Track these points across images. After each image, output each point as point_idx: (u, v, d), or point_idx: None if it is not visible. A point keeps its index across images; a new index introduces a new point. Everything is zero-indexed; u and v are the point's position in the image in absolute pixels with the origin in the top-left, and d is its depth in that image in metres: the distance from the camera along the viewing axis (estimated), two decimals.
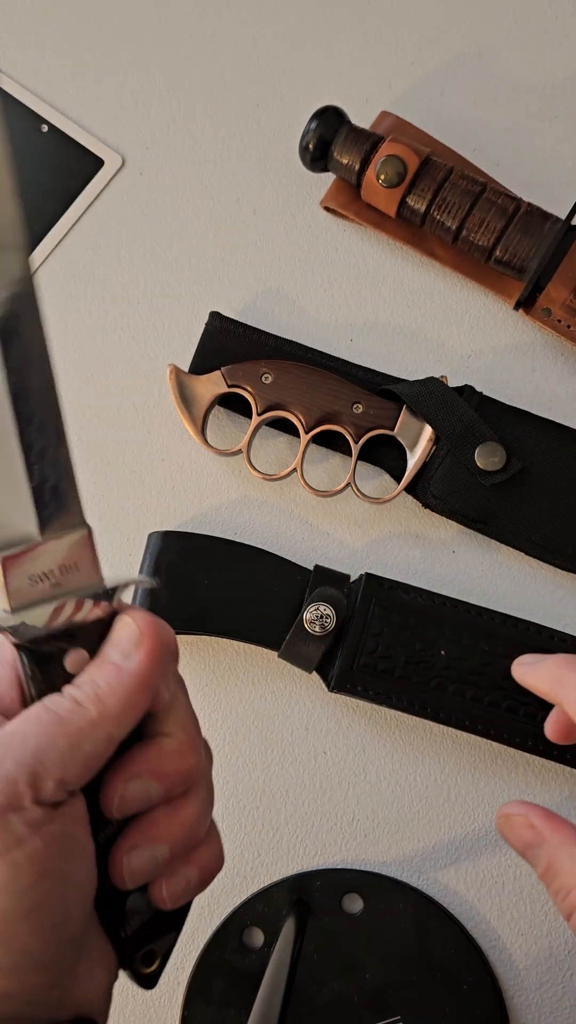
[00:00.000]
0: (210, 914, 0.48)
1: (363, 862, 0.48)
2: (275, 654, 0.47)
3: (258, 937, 0.47)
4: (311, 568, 0.47)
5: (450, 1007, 0.46)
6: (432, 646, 0.45)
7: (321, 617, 0.44)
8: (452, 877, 0.47)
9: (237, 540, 0.48)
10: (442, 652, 0.45)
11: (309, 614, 0.44)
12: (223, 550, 0.47)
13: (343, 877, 0.47)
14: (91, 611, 0.27)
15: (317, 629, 0.44)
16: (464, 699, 0.45)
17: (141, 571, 0.47)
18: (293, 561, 0.47)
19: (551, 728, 0.43)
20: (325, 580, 0.46)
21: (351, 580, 0.47)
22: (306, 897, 0.47)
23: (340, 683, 0.45)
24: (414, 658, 0.45)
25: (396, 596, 0.45)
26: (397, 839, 0.48)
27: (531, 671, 0.42)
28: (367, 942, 0.46)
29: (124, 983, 0.48)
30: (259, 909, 0.47)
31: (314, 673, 0.47)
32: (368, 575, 0.46)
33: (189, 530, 0.51)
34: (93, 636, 0.28)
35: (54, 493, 0.27)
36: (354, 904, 0.47)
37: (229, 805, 0.49)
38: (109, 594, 0.28)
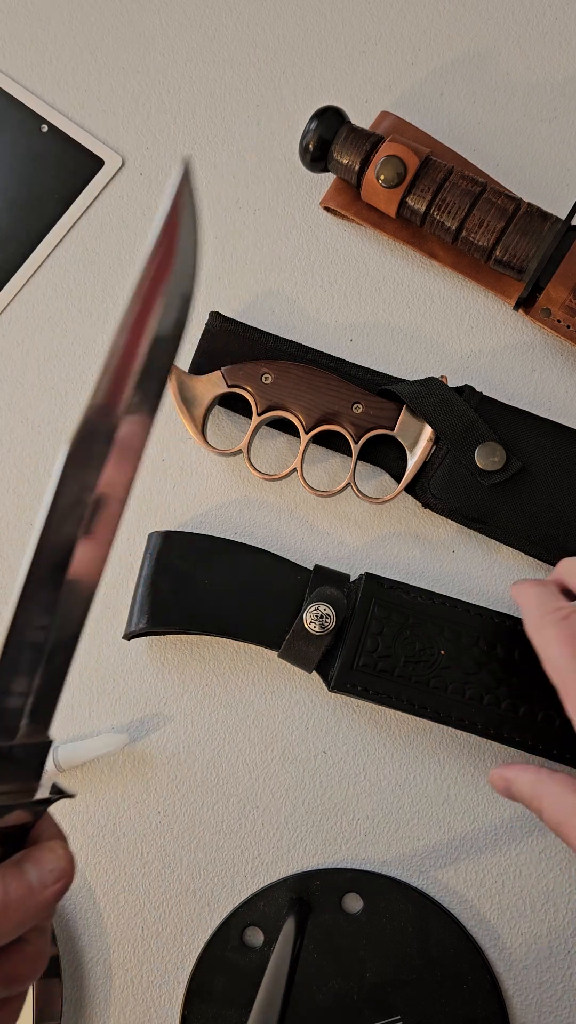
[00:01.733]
0: (210, 913, 0.48)
1: (363, 861, 0.48)
2: (275, 654, 0.47)
3: (258, 936, 0.47)
4: (311, 568, 0.47)
5: (450, 1006, 0.46)
6: (431, 645, 0.45)
7: (321, 617, 0.44)
8: (452, 876, 0.47)
9: (237, 540, 0.48)
10: (441, 652, 0.45)
11: (309, 614, 0.44)
12: (223, 549, 0.47)
13: (343, 876, 0.47)
14: (18, 817, 0.28)
15: (317, 629, 0.44)
16: (463, 698, 0.45)
17: (141, 571, 0.47)
18: (293, 561, 0.47)
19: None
20: (325, 580, 0.46)
21: (351, 580, 0.47)
22: (306, 896, 0.47)
23: (340, 683, 0.45)
24: (413, 657, 0.45)
25: (396, 596, 0.45)
26: (397, 838, 0.48)
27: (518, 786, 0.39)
28: (367, 941, 0.46)
29: (124, 980, 0.48)
30: (259, 908, 0.47)
31: (314, 673, 0.47)
32: (368, 575, 0.46)
33: (189, 530, 0.51)
34: (10, 831, 0.29)
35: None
36: (354, 903, 0.47)
37: (229, 805, 0.49)
38: (40, 803, 0.29)
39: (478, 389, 0.50)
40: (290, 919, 0.46)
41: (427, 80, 0.55)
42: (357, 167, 0.49)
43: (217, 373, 0.49)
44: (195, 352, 0.51)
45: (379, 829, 0.48)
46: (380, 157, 0.48)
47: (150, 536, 0.48)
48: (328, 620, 0.44)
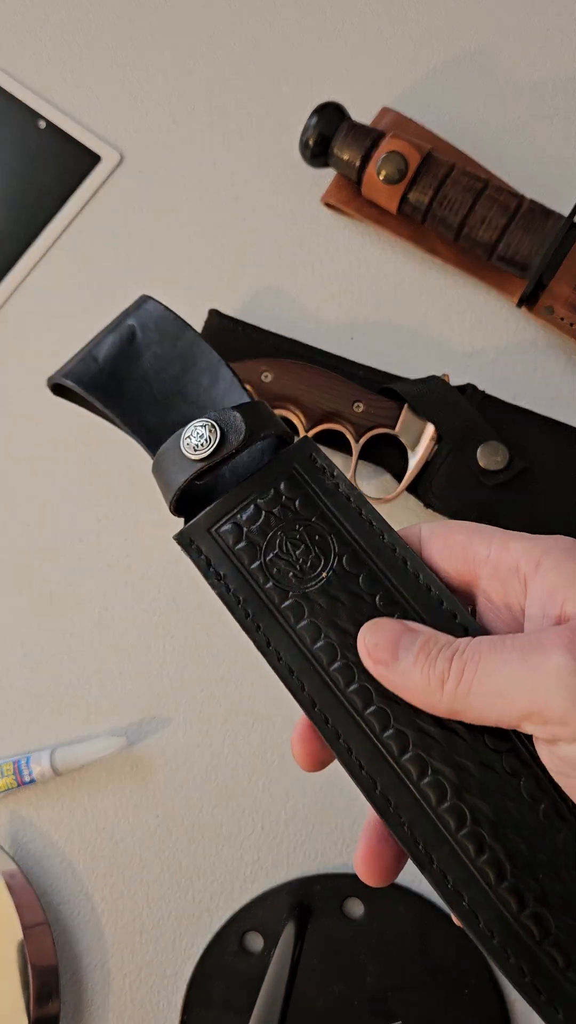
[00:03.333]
0: (210, 918, 0.47)
1: None
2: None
3: (258, 941, 0.47)
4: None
5: (452, 1011, 0.45)
6: (318, 564, 0.31)
7: (200, 436, 0.31)
8: None
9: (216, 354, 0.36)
10: (323, 575, 0.30)
11: (191, 428, 0.32)
12: (189, 342, 0.35)
13: (344, 881, 0.47)
14: None
15: (189, 449, 0.31)
16: (306, 644, 0.30)
17: (118, 322, 0.36)
18: (246, 391, 0.35)
19: (362, 858, 0.29)
20: (250, 411, 0.33)
21: (286, 434, 0.34)
22: (307, 901, 0.46)
23: (184, 537, 0.32)
24: (287, 559, 0.31)
25: (320, 481, 0.32)
26: None
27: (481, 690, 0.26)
28: (368, 946, 0.46)
29: (123, 985, 0.47)
30: (259, 913, 0.47)
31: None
32: (310, 443, 0.32)
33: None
34: None
35: None
36: (355, 908, 0.46)
37: (229, 809, 0.48)
38: None
39: (480, 388, 0.50)
40: (290, 924, 0.45)
41: (428, 76, 0.54)
42: (358, 163, 0.48)
43: None
44: None
45: None
46: (381, 153, 0.47)
47: (143, 298, 0.37)
48: (206, 445, 0.31)
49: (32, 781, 0.47)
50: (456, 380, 0.51)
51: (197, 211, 0.54)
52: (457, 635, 0.28)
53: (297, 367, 0.48)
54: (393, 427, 0.48)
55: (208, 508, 0.32)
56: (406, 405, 0.48)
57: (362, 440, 0.48)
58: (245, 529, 0.31)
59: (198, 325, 0.51)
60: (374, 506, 0.31)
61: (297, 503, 0.32)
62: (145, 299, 0.36)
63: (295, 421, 0.48)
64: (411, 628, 0.28)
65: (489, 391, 0.50)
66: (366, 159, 0.48)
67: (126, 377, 0.34)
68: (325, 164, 0.50)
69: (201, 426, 0.31)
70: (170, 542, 0.50)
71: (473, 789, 0.26)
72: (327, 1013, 0.45)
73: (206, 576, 0.31)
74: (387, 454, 0.50)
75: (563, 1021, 0.24)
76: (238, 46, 0.55)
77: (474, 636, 0.27)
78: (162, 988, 0.47)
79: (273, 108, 0.54)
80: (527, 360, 0.51)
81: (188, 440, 0.31)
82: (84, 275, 0.53)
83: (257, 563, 0.31)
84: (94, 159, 0.54)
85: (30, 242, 0.54)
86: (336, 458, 0.51)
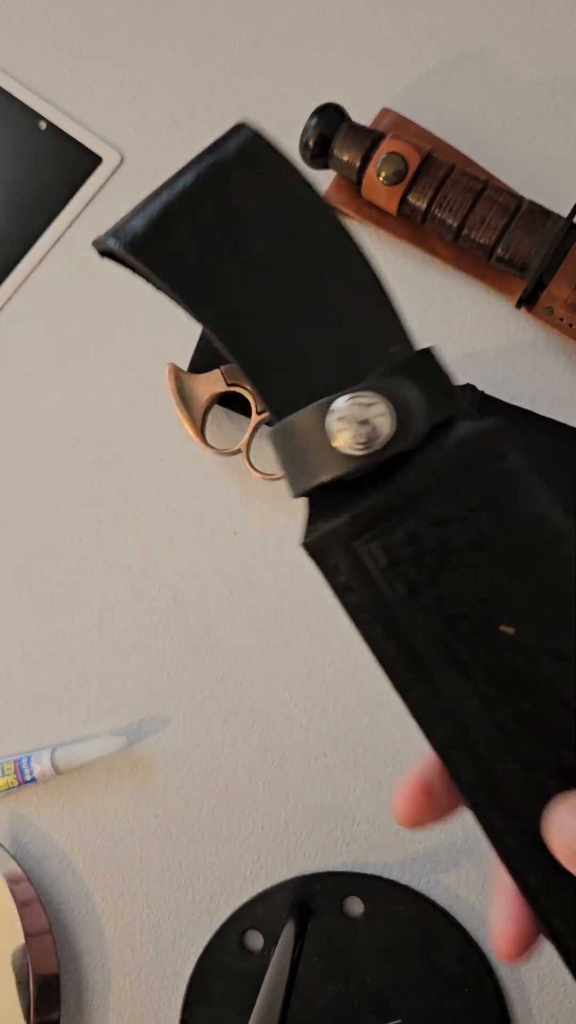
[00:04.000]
0: (209, 917, 0.47)
1: (364, 865, 0.48)
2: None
3: (257, 940, 0.47)
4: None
5: (452, 1011, 0.45)
6: (498, 612, 0.21)
7: (362, 424, 0.21)
8: (454, 880, 0.47)
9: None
10: (503, 629, 0.21)
11: (344, 406, 0.21)
12: (323, 222, 0.25)
13: (344, 880, 0.47)
14: None
15: (347, 444, 0.21)
16: (478, 714, 0.21)
17: (206, 167, 0.26)
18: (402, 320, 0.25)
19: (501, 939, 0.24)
20: (424, 374, 0.23)
21: (467, 395, 0.25)
22: (306, 900, 0.46)
23: (317, 546, 0.22)
24: (459, 595, 0.21)
25: (515, 489, 0.22)
26: (398, 842, 0.48)
27: None
28: (368, 945, 0.46)
29: (123, 984, 0.47)
30: (259, 912, 0.47)
31: (295, 515, 0.28)
32: (501, 428, 0.22)
33: (188, 530, 0.51)
34: None
35: None
36: (355, 907, 0.47)
37: (229, 808, 0.48)
38: None
39: (480, 388, 0.50)
40: (290, 923, 0.45)
41: (428, 77, 0.54)
42: (358, 164, 0.48)
43: (216, 372, 0.49)
44: (194, 350, 0.51)
45: (380, 832, 0.48)
46: (381, 154, 0.47)
47: (241, 127, 0.27)
48: (370, 437, 0.21)
49: (33, 780, 0.48)
50: (456, 380, 0.51)
51: None
52: None
53: None
54: None
55: (353, 512, 0.21)
56: None
57: None
58: (402, 553, 0.21)
59: (198, 326, 0.51)
60: None
61: (480, 523, 0.21)
62: (246, 134, 0.23)
63: None
64: None
65: (488, 391, 0.50)
66: (366, 160, 0.48)
67: (218, 259, 0.22)
68: (325, 165, 0.50)
69: (363, 404, 0.21)
70: (170, 541, 0.50)
71: None
72: (327, 1012, 0.45)
73: (345, 607, 0.22)
74: None
75: None
76: (238, 46, 0.55)
77: None
78: (162, 987, 0.47)
79: (273, 108, 0.55)
80: (527, 360, 0.51)
81: (342, 423, 0.21)
82: (86, 276, 0.54)
83: (419, 601, 0.21)
84: (95, 160, 0.54)
85: (31, 243, 0.54)
86: None
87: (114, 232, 0.24)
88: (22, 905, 0.46)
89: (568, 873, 0.20)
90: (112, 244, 0.24)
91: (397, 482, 0.21)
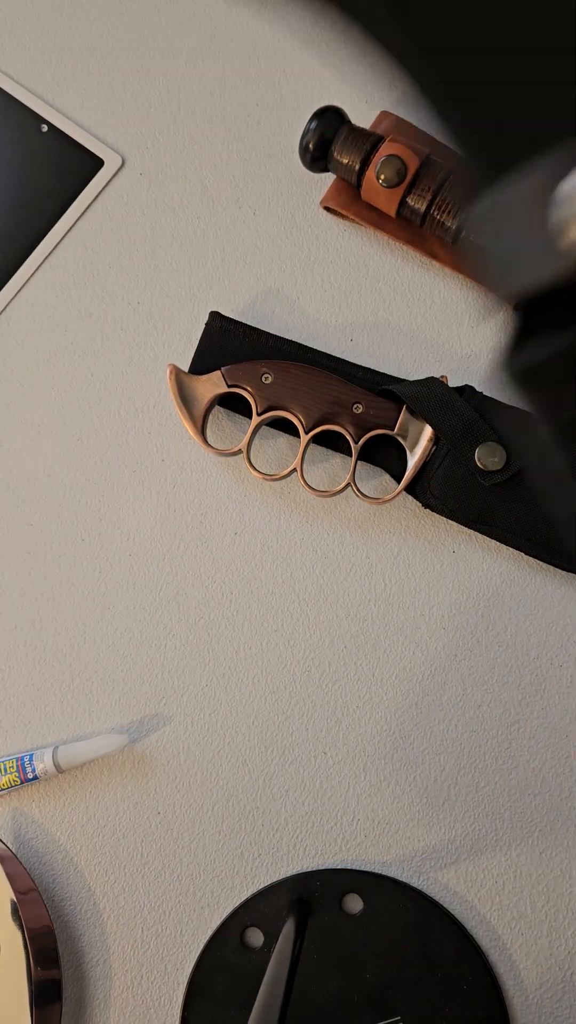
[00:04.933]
0: (210, 914, 0.48)
1: (363, 862, 0.48)
2: (276, 654, 0.47)
3: (258, 937, 0.47)
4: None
5: (450, 1007, 0.45)
6: None
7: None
8: (452, 877, 0.47)
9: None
10: None
11: None
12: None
13: (343, 877, 0.47)
14: None
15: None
16: None
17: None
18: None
19: None
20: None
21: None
22: (306, 897, 0.47)
23: (524, 372, 0.20)
24: None
25: None
26: (397, 839, 0.48)
27: None
28: (367, 942, 0.46)
29: (124, 981, 0.48)
30: (259, 909, 0.47)
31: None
32: None
33: (189, 530, 0.51)
34: None
35: None
36: (354, 904, 0.47)
37: (229, 805, 0.49)
38: None
39: (478, 389, 0.50)
40: (290, 920, 0.46)
41: None
42: (357, 167, 0.49)
43: (217, 373, 0.49)
44: (195, 352, 0.51)
45: (379, 830, 0.48)
46: (380, 157, 0.47)
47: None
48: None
49: (35, 778, 0.48)
50: (454, 381, 0.51)
51: (198, 214, 0.54)
52: None
53: (297, 368, 0.49)
54: (392, 428, 0.48)
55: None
56: (405, 406, 0.48)
57: (361, 441, 0.48)
58: None
59: (199, 327, 0.51)
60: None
61: None
62: None
63: (295, 422, 0.49)
64: None
65: (487, 392, 0.51)
66: (365, 163, 0.48)
67: None
68: (325, 168, 0.50)
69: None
70: (171, 541, 0.51)
71: None
72: (327, 1008, 0.46)
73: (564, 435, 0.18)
74: (386, 455, 0.50)
75: None
76: (238, 49, 0.56)
77: None
78: (163, 983, 0.48)
79: (273, 111, 0.55)
80: None
81: None
82: (87, 279, 0.54)
83: None
84: (96, 163, 0.55)
85: (33, 246, 0.54)
86: (335, 459, 0.51)
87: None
88: (24, 902, 0.46)
89: None
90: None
91: None
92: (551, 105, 0.16)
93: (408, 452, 0.48)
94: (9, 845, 0.49)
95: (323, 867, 0.48)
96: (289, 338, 0.51)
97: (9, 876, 0.46)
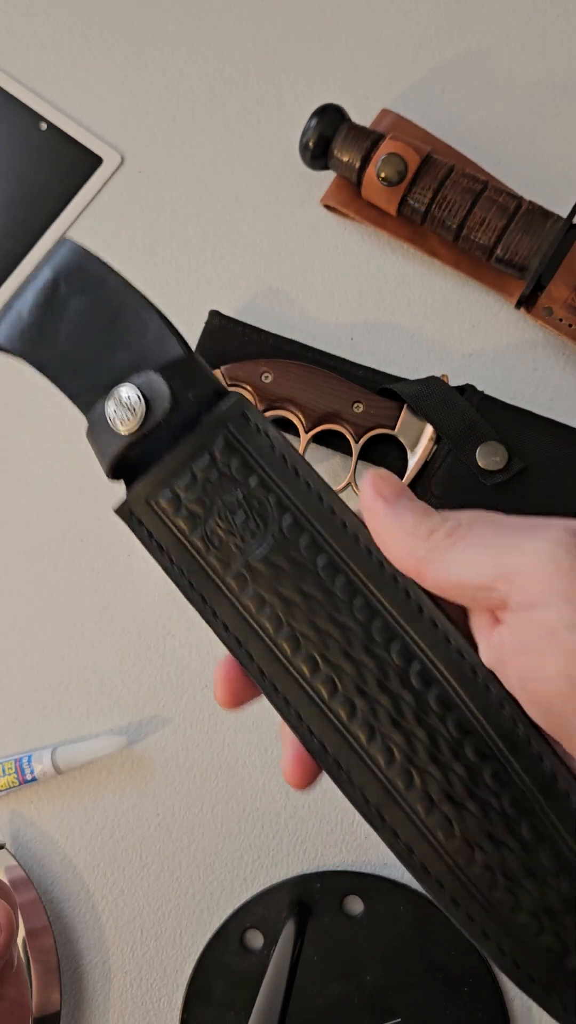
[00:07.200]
0: (209, 916, 0.48)
1: (364, 864, 0.48)
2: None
3: (258, 939, 0.47)
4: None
5: (451, 1009, 0.45)
6: (259, 528, 0.29)
7: (125, 409, 0.30)
8: None
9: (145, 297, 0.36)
10: (269, 540, 0.29)
11: (112, 400, 0.30)
12: (113, 286, 0.35)
13: (344, 879, 0.47)
14: None
15: (116, 423, 0.30)
16: (258, 610, 0.29)
17: (37, 272, 0.34)
18: (180, 336, 0.33)
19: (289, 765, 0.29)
20: (179, 372, 0.31)
21: (216, 390, 0.31)
22: (306, 899, 0.47)
23: (125, 509, 0.31)
24: (229, 525, 0.29)
25: (258, 442, 0.30)
26: None
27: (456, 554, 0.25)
28: (368, 944, 0.46)
29: (123, 983, 0.47)
30: (259, 911, 0.47)
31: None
32: (242, 398, 0.30)
33: None
34: None
35: None
36: (355, 906, 0.47)
37: (229, 807, 0.48)
38: None
39: (479, 388, 0.50)
40: (290, 922, 0.45)
41: (428, 77, 0.55)
42: (358, 165, 0.48)
43: (217, 372, 0.49)
44: (195, 351, 0.51)
45: None
46: (381, 155, 0.47)
47: (61, 241, 0.35)
48: (130, 416, 0.29)
49: (34, 779, 0.48)
50: (455, 381, 0.51)
51: (198, 212, 0.54)
52: (400, 599, 0.27)
53: (297, 367, 0.48)
54: (393, 427, 0.48)
55: (143, 478, 0.30)
56: (405, 405, 0.48)
57: (362, 440, 0.48)
58: (183, 498, 0.30)
59: (199, 326, 0.51)
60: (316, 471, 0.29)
61: (232, 467, 0.30)
62: (63, 242, 0.33)
63: (295, 421, 0.49)
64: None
65: (488, 392, 0.50)
66: (366, 161, 0.48)
67: (53, 332, 0.32)
68: (325, 166, 0.50)
69: (125, 396, 0.30)
70: None
71: (419, 754, 0.26)
72: (327, 1011, 0.46)
73: (149, 549, 0.30)
74: (387, 454, 0.50)
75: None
76: (238, 47, 0.55)
77: (423, 605, 0.27)
78: (162, 986, 0.47)
79: (273, 109, 0.55)
80: (526, 361, 0.51)
81: (113, 412, 0.29)
82: None
83: (198, 533, 0.29)
84: (95, 160, 0.54)
85: (32, 244, 0.54)
86: (336, 458, 0.51)
87: None
88: (23, 904, 0.46)
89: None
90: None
91: (175, 449, 0.30)
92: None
93: (409, 452, 0.48)
94: (8, 847, 0.49)
95: (323, 869, 0.47)
96: (289, 337, 0.51)
97: (22, 907, 0.45)
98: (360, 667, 0.27)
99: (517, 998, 0.46)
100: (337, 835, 0.48)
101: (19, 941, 0.45)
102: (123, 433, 0.29)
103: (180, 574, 0.30)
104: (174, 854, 0.48)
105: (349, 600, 0.28)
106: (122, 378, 0.31)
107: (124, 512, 0.30)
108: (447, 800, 0.26)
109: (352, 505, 0.29)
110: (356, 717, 0.27)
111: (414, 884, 0.47)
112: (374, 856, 0.48)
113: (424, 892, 0.26)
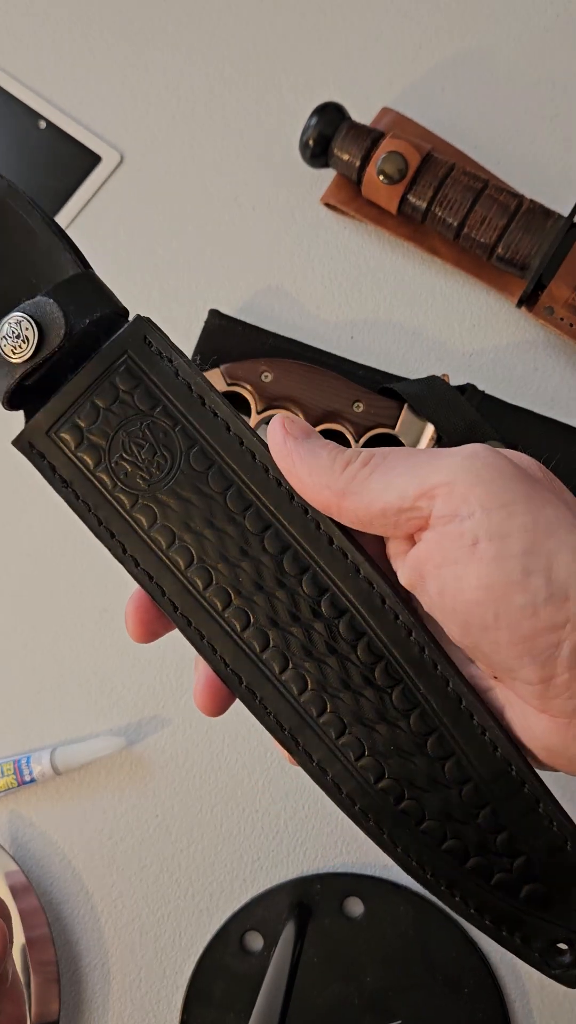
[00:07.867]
0: (209, 917, 0.47)
1: (364, 865, 0.47)
2: None
3: (258, 941, 0.47)
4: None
5: (451, 1010, 0.45)
6: (166, 462, 0.28)
7: (17, 337, 0.28)
8: None
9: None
10: (176, 471, 0.28)
11: (4, 327, 0.28)
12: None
13: (344, 880, 0.47)
14: None
15: (10, 352, 0.28)
16: (167, 546, 0.28)
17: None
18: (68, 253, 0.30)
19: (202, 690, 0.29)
20: (70, 292, 0.29)
21: (120, 315, 0.30)
22: (306, 900, 0.46)
23: (24, 440, 0.29)
24: (134, 460, 0.29)
25: (160, 368, 0.29)
26: None
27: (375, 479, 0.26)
28: (368, 946, 0.46)
29: (122, 985, 0.47)
30: (259, 912, 0.47)
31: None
32: (145, 321, 0.29)
33: None
34: None
35: None
36: (355, 907, 0.47)
37: (228, 808, 0.48)
38: None
39: (480, 388, 0.50)
40: (290, 923, 0.45)
41: (428, 76, 0.54)
42: (358, 163, 0.48)
43: (216, 371, 0.48)
44: (194, 350, 0.51)
45: None
46: (381, 153, 0.47)
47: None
48: (24, 345, 0.28)
49: (32, 780, 0.48)
50: (456, 380, 0.51)
51: (197, 211, 0.54)
52: (311, 530, 0.28)
53: (297, 367, 0.48)
54: (393, 427, 0.48)
55: (43, 409, 0.28)
56: (406, 405, 0.48)
57: (362, 440, 0.48)
58: (85, 430, 0.28)
59: (198, 325, 0.51)
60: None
61: (135, 397, 0.28)
62: None
63: None
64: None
65: (489, 391, 0.50)
66: (366, 159, 0.48)
67: None
68: (325, 164, 0.50)
69: (16, 323, 0.28)
70: None
71: (332, 686, 0.27)
72: (327, 1012, 0.45)
73: (52, 483, 0.29)
74: None
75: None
76: (238, 46, 0.55)
77: (332, 536, 0.27)
78: (162, 987, 0.47)
79: (273, 108, 0.55)
80: (527, 360, 0.51)
81: (5, 341, 0.28)
82: None
83: (102, 466, 0.28)
84: (94, 159, 0.54)
85: None
86: None
87: None
88: (23, 911, 0.45)
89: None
90: None
91: (73, 378, 0.28)
92: None
93: None
94: (7, 848, 0.48)
95: (323, 870, 0.47)
96: (289, 336, 0.51)
97: (22, 913, 0.45)
98: (272, 599, 0.27)
99: (518, 999, 0.46)
100: (337, 836, 0.48)
101: (18, 949, 0.45)
102: (16, 362, 0.28)
103: (87, 510, 0.29)
104: (174, 855, 0.48)
105: (259, 533, 0.28)
106: (10, 307, 0.28)
107: (23, 445, 0.29)
108: (358, 723, 0.27)
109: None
110: (269, 648, 0.27)
111: (414, 886, 0.47)
112: (374, 858, 0.47)
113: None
